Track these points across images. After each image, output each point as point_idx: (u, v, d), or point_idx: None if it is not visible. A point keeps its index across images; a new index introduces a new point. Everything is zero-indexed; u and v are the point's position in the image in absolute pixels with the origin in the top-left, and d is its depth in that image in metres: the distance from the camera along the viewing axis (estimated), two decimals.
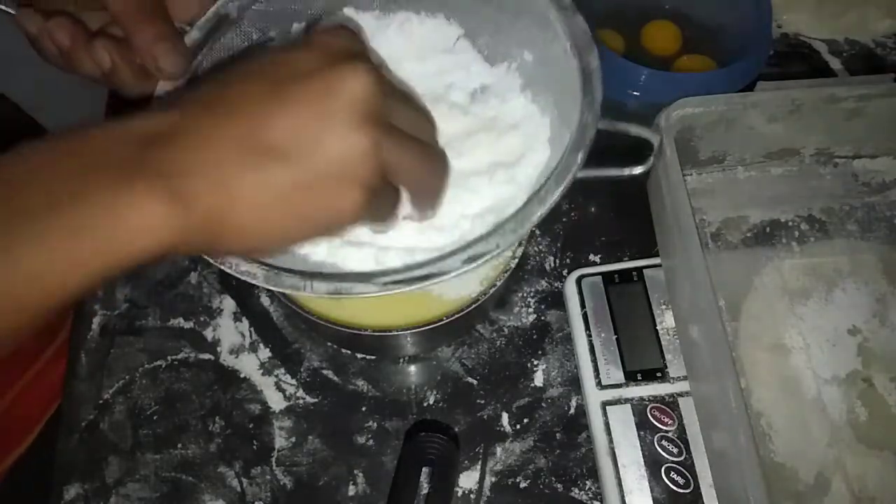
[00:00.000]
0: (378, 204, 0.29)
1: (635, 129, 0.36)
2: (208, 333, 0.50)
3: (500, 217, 0.34)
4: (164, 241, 0.25)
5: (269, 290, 0.47)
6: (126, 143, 0.25)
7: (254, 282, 0.31)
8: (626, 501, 0.41)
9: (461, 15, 0.40)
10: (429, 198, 0.33)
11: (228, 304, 0.50)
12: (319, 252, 0.34)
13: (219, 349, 0.49)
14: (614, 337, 0.45)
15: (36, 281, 0.24)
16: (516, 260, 0.42)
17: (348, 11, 0.40)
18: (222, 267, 0.31)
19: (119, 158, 0.25)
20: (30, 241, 0.24)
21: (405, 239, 0.34)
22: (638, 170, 0.35)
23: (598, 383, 0.44)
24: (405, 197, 0.32)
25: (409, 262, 0.32)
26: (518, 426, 0.46)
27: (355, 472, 0.45)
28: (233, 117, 0.26)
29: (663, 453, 0.42)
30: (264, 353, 0.49)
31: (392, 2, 0.40)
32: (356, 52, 0.28)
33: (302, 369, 0.48)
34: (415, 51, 0.40)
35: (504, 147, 0.37)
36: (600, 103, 0.33)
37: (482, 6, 0.39)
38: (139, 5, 0.34)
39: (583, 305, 0.47)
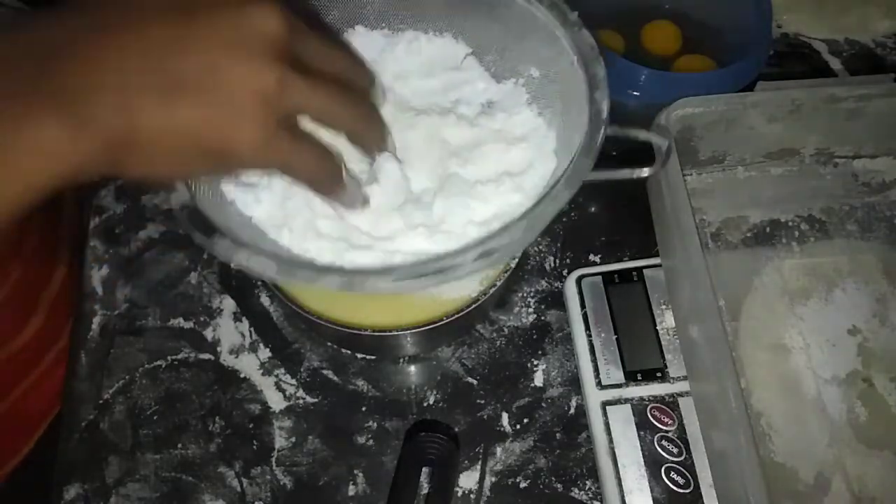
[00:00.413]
0: (294, 154, 0.29)
1: (644, 135, 0.37)
2: (208, 333, 0.50)
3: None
4: (66, 168, 0.25)
5: (269, 290, 0.47)
6: (20, 60, 0.24)
7: (268, 273, 0.30)
8: (626, 501, 0.41)
9: (468, 34, 0.41)
10: (368, 136, 0.33)
11: (228, 304, 0.50)
12: (326, 256, 0.34)
13: (219, 349, 0.49)
14: (614, 337, 0.45)
15: None
16: (516, 260, 0.42)
17: (359, 29, 0.40)
18: (236, 264, 0.31)
19: (12, 78, 0.24)
20: None
21: (413, 244, 0.34)
22: (645, 172, 0.36)
23: (598, 383, 0.44)
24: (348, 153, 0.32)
25: (420, 259, 0.32)
26: (518, 426, 0.46)
27: (355, 472, 0.45)
28: (139, 40, 0.25)
29: (663, 453, 0.42)
30: (264, 353, 0.49)
31: (400, 21, 0.41)
32: None
33: (302, 369, 0.48)
34: (423, 68, 0.41)
35: (511, 158, 0.38)
36: (608, 110, 0.34)
37: (489, 25, 0.40)
38: None
39: (583, 305, 0.47)
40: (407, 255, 0.34)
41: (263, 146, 0.28)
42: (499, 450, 0.45)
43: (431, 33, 0.41)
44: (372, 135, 0.34)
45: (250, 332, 0.50)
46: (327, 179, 0.32)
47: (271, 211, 0.35)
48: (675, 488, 0.41)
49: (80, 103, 0.24)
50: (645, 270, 0.47)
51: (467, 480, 0.45)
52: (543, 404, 0.47)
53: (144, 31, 0.26)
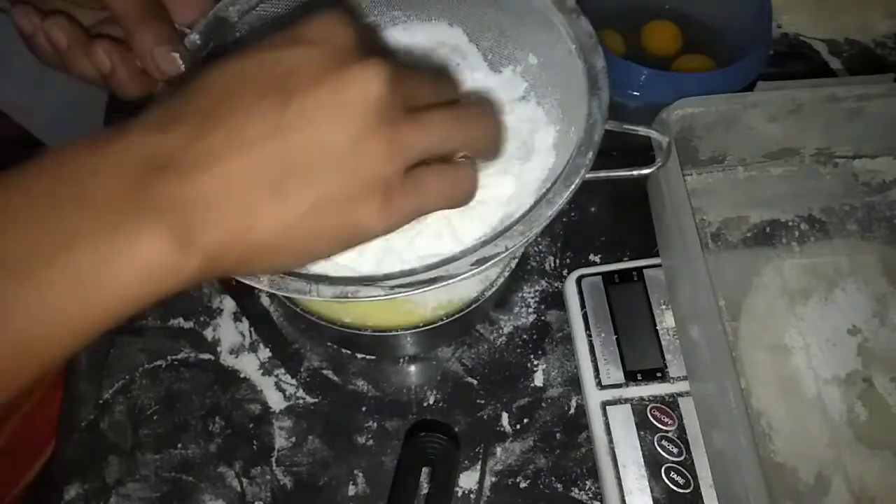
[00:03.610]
0: (420, 201, 0.27)
1: (644, 130, 0.35)
2: (208, 333, 0.50)
3: (505, 218, 0.33)
4: (174, 283, 0.23)
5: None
6: (122, 171, 0.23)
7: (258, 286, 0.30)
8: (626, 501, 0.41)
9: (464, 20, 0.40)
10: (488, 149, 0.31)
11: (228, 304, 0.50)
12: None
13: (219, 349, 0.49)
14: (614, 337, 0.45)
15: (25, 344, 0.22)
16: (516, 260, 0.42)
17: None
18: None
19: (118, 191, 0.22)
20: (14, 301, 0.21)
21: (418, 246, 0.34)
22: (646, 171, 0.35)
23: (598, 383, 0.44)
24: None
25: (415, 266, 0.32)
26: (518, 426, 0.46)
27: (355, 472, 0.45)
28: (241, 135, 0.24)
29: (663, 453, 0.42)
30: (264, 353, 0.49)
31: (393, 6, 0.40)
32: (360, 47, 0.26)
33: (302, 369, 0.48)
34: (416, 56, 0.40)
35: (509, 150, 0.37)
36: (608, 104, 0.33)
37: (485, 10, 0.39)
38: (140, 6, 0.33)
39: (583, 305, 0.47)
40: (401, 253, 0.33)
41: (387, 218, 0.26)
42: (499, 450, 0.45)
43: (426, 19, 0.40)
44: (492, 143, 0.31)
45: (250, 332, 0.50)
46: (463, 199, 0.30)
47: None
48: (675, 488, 0.41)
49: (186, 216, 0.23)
50: (645, 270, 0.47)
51: (467, 480, 0.45)
52: (543, 404, 0.47)
53: (246, 124, 0.24)
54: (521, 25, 0.38)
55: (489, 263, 0.30)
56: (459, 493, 0.44)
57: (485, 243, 0.31)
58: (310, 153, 0.24)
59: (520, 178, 0.36)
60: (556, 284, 0.50)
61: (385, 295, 0.29)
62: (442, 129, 0.27)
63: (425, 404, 0.47)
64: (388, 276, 0.31)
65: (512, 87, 0.39)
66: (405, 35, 0.40)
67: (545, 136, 0.37)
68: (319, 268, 0.33)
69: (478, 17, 0.39)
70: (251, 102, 0.24)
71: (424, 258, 0.33)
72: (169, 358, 0.49)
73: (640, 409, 0.43)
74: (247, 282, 0.30)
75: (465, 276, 0.30)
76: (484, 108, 0.31)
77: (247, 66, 0.25)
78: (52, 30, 0.33)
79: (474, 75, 0.40)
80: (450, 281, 0.30)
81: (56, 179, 0.23)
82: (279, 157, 0.24)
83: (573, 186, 0.31)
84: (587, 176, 0.32)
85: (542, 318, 0.49)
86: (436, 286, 0.30)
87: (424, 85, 0.28)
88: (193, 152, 0.23)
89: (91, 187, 0.22)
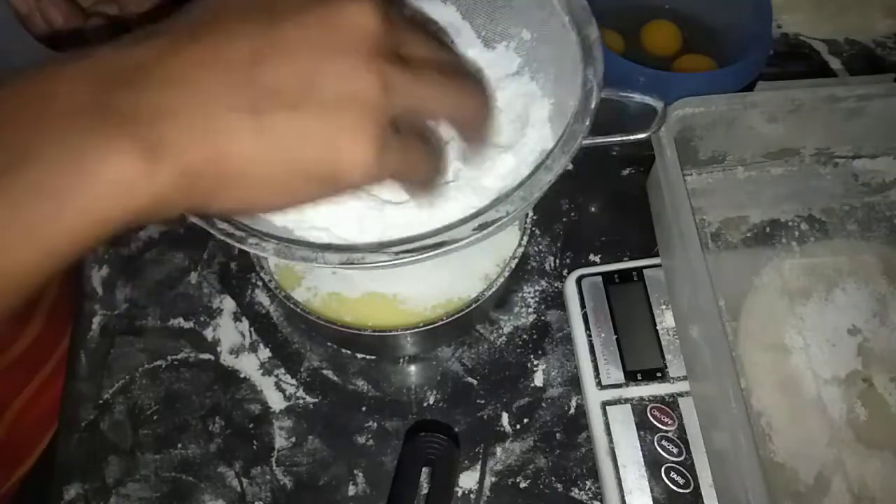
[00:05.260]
0: (404, 160, 0.26)
1: (639, 96, 0.36)
2: (208, 333, 0.50)
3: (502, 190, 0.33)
4: (141, 203, 0.21)
5: (268, 290, 0.47)
6: (91, 82, 0.21)
7: (263, 254, 0.29)
8: (626, 501, 0.41)
9: None
10: (474, 127, 0.29)
11: (228, 304, 0.50)
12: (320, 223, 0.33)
13: (219, 349, 0.49)
14: (614, 337, 0.45)
15: None
16: (516, 260, 0.42)
17: None
18: (230, 241, 0.29)
19: (82, 102, 0.21)
20: None
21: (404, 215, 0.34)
22: (641, 135, 0.35)
23: (598, 383, 0.44)
24: (451, 148, 0.30)
25: (419, 232, 0.31)
26: (518, 426, 0.46)
27: (355, 472, 0.45)
28: (221, 52, 0.22)
29: (663, 453, 0.42)
30: (264, 353, 0.49)
31: None
32: None
33: (302, 369, 0.48)
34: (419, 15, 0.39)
35: (504, 125, 0.37)
36: (603, 72, 0.33)
37: None
38: None
39: (583, 305, 0.47)
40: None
41: (375, 162, 0.24)
42: (499, 450, 0.45)
43: None
44: (480, 122, 0.29)
45: (250, 332, 0.50)
46: (432, 179, 0.29)
47: None
48: (675, 488, 0.41)
49: (156, 128, 0.21)
50: (645, 270, 0.47)
51: (467, 480, 0.45)
52: (543, 404, 0.47)
53: (228, 42, 0.22)
54: (514, 1, 0.38)
55: (492, 228, 0.30)
56: (459, 493, 0.44)
57: (486, 209, 0.31)
58: (294, 82, 0.23)
59: (517, 153, 0.36)
60: (556, 284, 0.50)
61: (390, 260, 0.29)
62: (431, 87, 0.25)
63: (425, 404, 0.47)
64: (393, 243, 0.30)
65: (506, 63, 0.39)
66: None
67: (540, 110, 0.37)
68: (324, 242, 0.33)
69: None
70: (234, 22, 0.23)
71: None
72: (169, 358, 0.49)
73: (640, 409, 0.43)
74: (252, 250, 0.29)
75: (467, 241, 0.29)
76: (479, 82, 0.30)
77: None
78: (48, 9, 0.33)
79: (468, 52, 0.40)
80: (454, 245, 0.29)
81: (19, 93, 0.21)
82: (259, 79, 0.22)
83: (571, 151, 0.31)
84: (585, 142, 0.31)
85: (542, 318, 0.49)
86: (440, 251, 0.29)
87: (420, 36, 0.26)
88: (165, 65, 0.22)
89: (53, 97, 0.21)
